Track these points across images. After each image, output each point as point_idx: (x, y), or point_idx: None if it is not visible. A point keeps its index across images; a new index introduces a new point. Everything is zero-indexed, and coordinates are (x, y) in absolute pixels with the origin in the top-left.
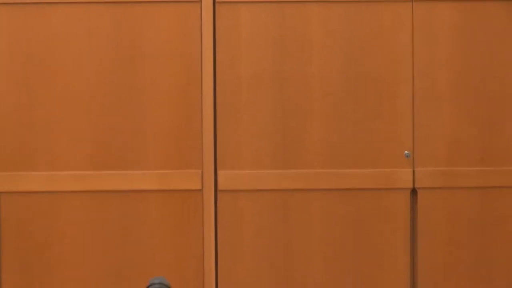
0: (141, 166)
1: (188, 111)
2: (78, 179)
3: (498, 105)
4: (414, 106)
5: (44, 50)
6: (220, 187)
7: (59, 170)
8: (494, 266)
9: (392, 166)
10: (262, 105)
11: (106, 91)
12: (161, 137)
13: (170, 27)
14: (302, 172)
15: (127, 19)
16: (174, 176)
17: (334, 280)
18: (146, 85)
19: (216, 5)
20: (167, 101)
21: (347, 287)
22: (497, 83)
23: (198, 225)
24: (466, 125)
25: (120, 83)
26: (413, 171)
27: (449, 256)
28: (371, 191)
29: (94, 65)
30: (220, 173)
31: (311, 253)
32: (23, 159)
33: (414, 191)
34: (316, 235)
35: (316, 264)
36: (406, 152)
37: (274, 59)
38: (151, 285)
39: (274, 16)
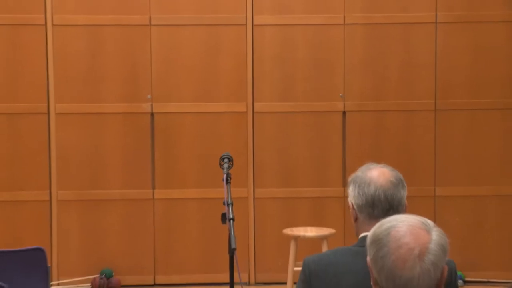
0: (217, 100)
1: (240, 75)
2: (189, 107)
3: (387, 71)
4: (344, 72)
5: (177, 49)
6: (255, 110)
7: (181, 102)
8: (387, 151)
9: (334, 100)
10: (274, 71)
11: (203, 66)
12: (226, 87)
13: (232, 36)
14: (293, 103)
15: (212, 33)
16: (233, 105)
17: (311, 151)
18: (220, 63)
19: (254, 26)
20: (230, 70)
21: (314, 160)
22: (387, 59)
23: (244, 128)
24: (370, 80)
25: (209, 62)
26: (344, 103)
27: (361, 144)
28: (326, 112)
29: (197, 55)
30: (255, 104)
31: (299, 141)
32: (165, 95)
33: (344, 113)
34: (301, 132)
35: (302, 141)
36: (340, 94)
37: (280, 49)
38: (223, 155)
39: (280, 31)
